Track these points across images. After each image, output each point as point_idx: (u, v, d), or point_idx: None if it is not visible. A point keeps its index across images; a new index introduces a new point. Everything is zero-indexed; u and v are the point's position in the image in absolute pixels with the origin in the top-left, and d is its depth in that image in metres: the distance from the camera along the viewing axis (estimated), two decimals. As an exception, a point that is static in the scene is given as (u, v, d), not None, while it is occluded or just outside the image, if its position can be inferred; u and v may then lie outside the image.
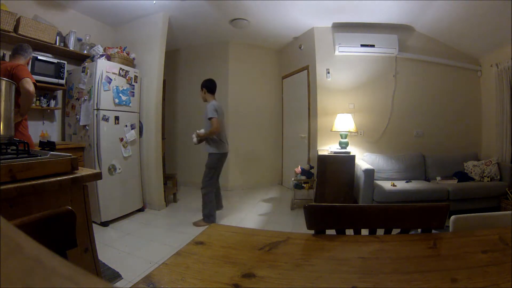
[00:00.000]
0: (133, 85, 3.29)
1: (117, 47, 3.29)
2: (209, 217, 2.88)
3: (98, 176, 1.18)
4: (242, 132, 4.64)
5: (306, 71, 4.17)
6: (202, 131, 2.92)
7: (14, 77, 1.89)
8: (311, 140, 4.09)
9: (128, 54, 3.35)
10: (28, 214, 0.57)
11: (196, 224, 2.93)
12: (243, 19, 3.71)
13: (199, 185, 4.55)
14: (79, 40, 3.26)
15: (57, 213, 0.62)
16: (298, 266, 0.61)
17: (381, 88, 3.86)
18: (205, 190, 2.88)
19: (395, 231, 0.83)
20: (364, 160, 3.58)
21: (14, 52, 2.14)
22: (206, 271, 0.58)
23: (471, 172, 3.39)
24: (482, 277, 0.53)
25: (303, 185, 3.53)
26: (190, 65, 4.87)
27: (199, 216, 2.98)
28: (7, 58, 2.48)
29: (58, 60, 2.90)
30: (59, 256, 0.18)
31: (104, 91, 2.90)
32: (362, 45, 3.62)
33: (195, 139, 2.90)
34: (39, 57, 2.71)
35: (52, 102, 3.03)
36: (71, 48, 3.09)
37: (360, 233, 0.84)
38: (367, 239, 0.76)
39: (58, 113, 3.26)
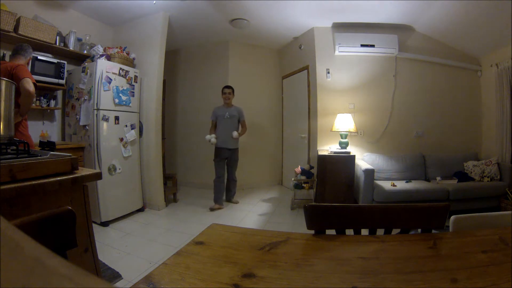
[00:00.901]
0: (133, 85, 3.29)
1: (117, 47, 3.29)
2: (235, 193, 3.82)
3: (98, 176, 1.18)
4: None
5: (306, 71, 4.17)
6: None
7: (14, 77, 1.89)
8: (311, 140, 4.09)
9: (128, 54, 3.35)
10: (28, 214, 0.57)
11: (234, 202, 3.75)
12: (243, 19, 3.71)
13: (199, 185, 4.65)
14: (79, 40, 3.26)
15: (57, 213, 0.61)
16: (298, 266, 0.61)
17: (381, 88, 3.86)
18: (236, 178, 3.72)
19: (395, 231, 0.83)
20: (364, 160, 3.58)
21: (14, 52, 2.14)
22: (206, 271, 0.58)
23: (471, 172, 3.39)
24: (482, 277, 0.53)
25: (303, 185, 3.53)
26: (190, 65, 4.87)
27: (200, 215, 3.18)
28: (7, 58, 2.48)
29: (58, 60, 2.90)
30: (59, 256, 0.18)
31: (104, 91, 2.90)
32: (362, 45, 3.62)
33: (236, 135, 3.47)
34: (39, 57, 2.71)
35: (52, 102, 3.03)
36: (71, 48, 3.09)
37: (360, 233, 0.84)
38: (367, 239, 0.76)
39: (58, 113, 3.26)
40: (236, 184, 3.78)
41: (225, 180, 3.61)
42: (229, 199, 3.74)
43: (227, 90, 3.54)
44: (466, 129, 3.91)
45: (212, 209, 3.40)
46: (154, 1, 3.14)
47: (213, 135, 3.42)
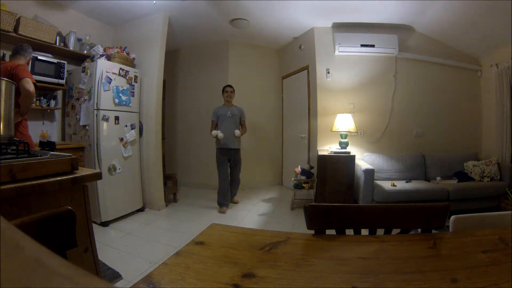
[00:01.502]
0: (133, 85, 3.29)
1: (117, 47, 3.29)
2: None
3: (98, 176, 1.18)
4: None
5: (306, 71, 4.17)
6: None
7: (14, 77, 1.89)
8: (311, 140, 4.09)
9: (128, 54, 3.35)
10: (28, 214, 0.57)
11: (235, 202, 3.75)
12: (243, 19, 3.71)
13: (199, 185, 4.65)
14: (79, 40, 3.25)
15: (57, 213, 0.61)
16: (298, 266, 0.61)
17: (381, 88, 3.86)
18: (239, 180, 3.72)
19: (395, 231, 0.83)
20: (364, 160, 3.58)
21: (14, 52, 2.14)
22: (206, 271, 0.58)
23: (471, 172, 3.39)
24: (482, 277, 0.53)
25: (303, 185, 3.53)
26: (190, 65, 4.87)
27: (199, 215, 3.19)
28: (7, 58, 2.48)
29: (58, 60, 2.90)
30: (59, 256, 0.18)
31: (104, 91, 2.90)
32: (362, 45, 3.62)
33: (238, 133, 3.45)
34: (39, 57, 2.71)
35: (52, 102, 3.03)
36: (71, 48, 3.09)
37: (360, 233, 0.84)
38: (367, 239, 0.76)
39: (58, 113, 3.26)
40: (239, 186, 3.77)
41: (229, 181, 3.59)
42: (230, 199, 3.73)
43: (229, 89, 3.53)
44: (466, 129, 3.91)
45: (223, 212, 3.37)
46: (154, 1, 3.14)
47: (219, 131, 3.36)
